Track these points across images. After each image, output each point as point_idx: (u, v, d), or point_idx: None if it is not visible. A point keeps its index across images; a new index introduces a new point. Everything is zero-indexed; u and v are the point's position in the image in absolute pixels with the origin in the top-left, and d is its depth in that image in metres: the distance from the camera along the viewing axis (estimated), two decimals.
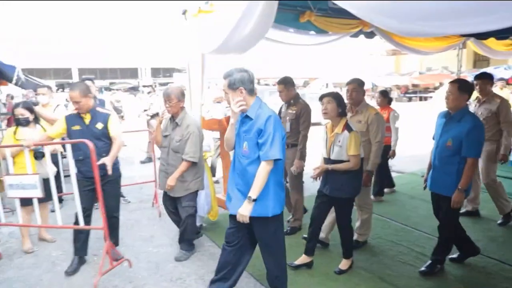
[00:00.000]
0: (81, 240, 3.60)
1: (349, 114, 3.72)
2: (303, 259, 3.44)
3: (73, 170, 3.50)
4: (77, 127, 3.48)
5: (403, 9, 1.97)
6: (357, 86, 3.68)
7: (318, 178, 3.29)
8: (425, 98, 25.80)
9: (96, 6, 25.60)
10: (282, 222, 2.69)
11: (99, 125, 3.49)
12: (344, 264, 3.39)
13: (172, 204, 3.80)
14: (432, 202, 3.41)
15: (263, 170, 2.42)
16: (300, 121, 4.07)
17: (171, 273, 3.45)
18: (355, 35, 5.32)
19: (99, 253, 3.81)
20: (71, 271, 3.51)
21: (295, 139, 4.10)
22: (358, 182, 3.29)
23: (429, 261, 3.34)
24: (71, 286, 3.28)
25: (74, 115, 3.53)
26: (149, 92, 10.52)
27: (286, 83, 4.19)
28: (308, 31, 4.76)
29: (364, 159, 3.43)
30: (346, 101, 3.43)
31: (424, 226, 4.29)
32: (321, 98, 3.23)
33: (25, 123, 3.92)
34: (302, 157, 4.08)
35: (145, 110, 8.83)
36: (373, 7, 2.07)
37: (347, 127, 3.14)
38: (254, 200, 2.44)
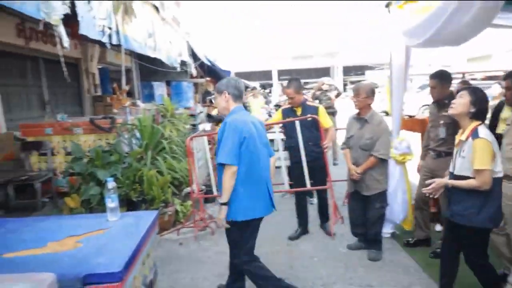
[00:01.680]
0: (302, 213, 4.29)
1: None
2: None
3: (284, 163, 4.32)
4: (290, 118, 4.09)
5: None
6: None
7: (435, 194, 2.58)
8: None
9: (291, 11, 27.66)
10: (245, 230, 2.65)
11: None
12: None
13: (359, 204, 3.75)
14: None
15: (223, 174, 2.49)
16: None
17: (361, 277, 3.32)
18: None
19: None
20: (294, 237, 4.20)
21: (451, 146, 3.26)
22: (493, 208, 2.40)
23: None
24: None
25: (289, 108, 4.18)
26: (326, 90, 10.77)
27: (442, 78, 3.46)
28: None
29: None
30: None
31: None
32: (456, 92, 2.58)
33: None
34: None
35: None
36: None
37: (474, 133, 2.36)
38: (223, 204, 2.51)
